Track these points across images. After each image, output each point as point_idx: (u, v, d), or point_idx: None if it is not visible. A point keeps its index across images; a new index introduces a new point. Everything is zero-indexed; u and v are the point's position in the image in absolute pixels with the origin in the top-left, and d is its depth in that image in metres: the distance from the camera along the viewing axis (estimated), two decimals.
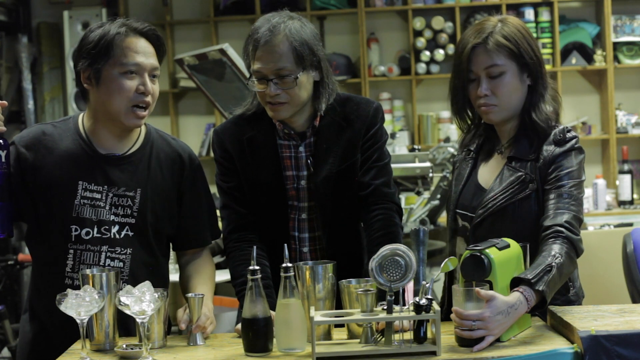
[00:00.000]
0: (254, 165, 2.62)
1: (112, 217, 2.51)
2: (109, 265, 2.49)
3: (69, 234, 2.49)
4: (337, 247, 2.61)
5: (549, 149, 2.47)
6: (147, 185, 2.54)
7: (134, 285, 2.30)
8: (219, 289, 4.20)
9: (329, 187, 2.59)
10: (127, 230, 2.52)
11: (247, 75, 2.61)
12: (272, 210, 2.63)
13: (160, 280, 2.56)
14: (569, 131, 2.50)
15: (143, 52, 2.48)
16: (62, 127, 2.57)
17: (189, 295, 2.36)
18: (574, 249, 2.35)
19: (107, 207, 2.50)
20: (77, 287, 2.32)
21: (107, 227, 2.50)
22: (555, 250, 2.31)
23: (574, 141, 2.48)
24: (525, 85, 2.52)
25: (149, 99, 2.48)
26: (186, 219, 2.63)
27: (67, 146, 2.53)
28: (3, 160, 2.41)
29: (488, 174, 2.58)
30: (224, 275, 3.93)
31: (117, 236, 2.51)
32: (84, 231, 2.49)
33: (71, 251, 2.49)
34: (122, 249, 2.51)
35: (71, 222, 2.48)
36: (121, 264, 2.51)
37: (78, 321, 2.19)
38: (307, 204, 2.63)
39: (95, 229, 2.49)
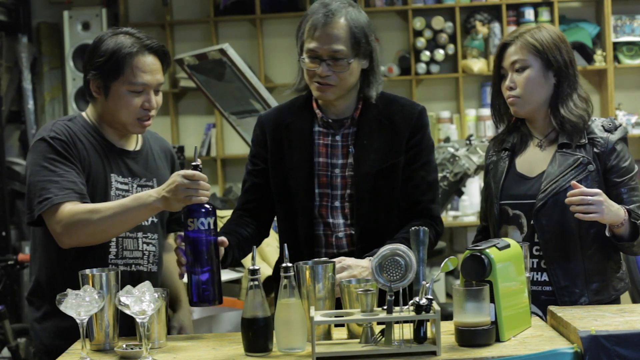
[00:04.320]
0: (288, 151, 2.68)
1: None
2: (146, 250, 2.67)
3: None
4: (368, 242, 2.58)
5: (603, 136, 2.68)
6: (158, 176, 2.73)
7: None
8: None
9: (369, 183, 2.60)
10: (152, 217, 2.66)
11: (298, 52, 2.64)
12: (299, 195, 2.65)
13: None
14: (614, 120, 2.72)
15: (150, 70, 2.61)
16: (76, 126, 2.65)
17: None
18: None
19: None
20: (122, 273, 2.42)
21: None
22: None
23: (623, 127, 2.71)
24: (550, 82, 2.71)
25: (153, 112, 2.65)
26: None
27: (90, 142, 2.63)
28: (211, 227, 2.35)
29: (529, 164, 2.74)
30: (223, 275, 3.92)
31: (146, 223, 2.67)
32: None
33: (114, 239, 2.61)
34: (152, 235, 2.70)
35: None
36: (154, 248, 2.70)
37: (78, 321, 2.19)
38: (340, 192, 2.64)
39: None
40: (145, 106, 2.61)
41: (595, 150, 2.66)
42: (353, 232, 2.62)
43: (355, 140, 2.65)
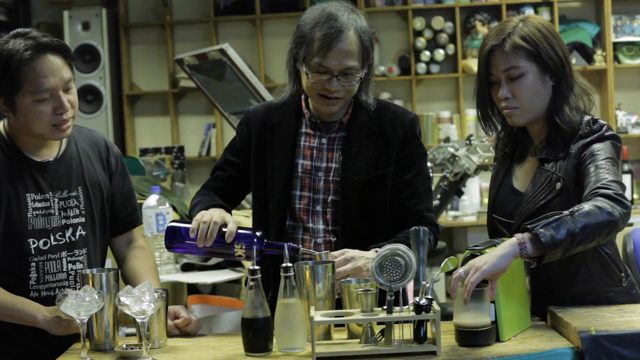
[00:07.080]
0: (271, 151, 2.61)
1: (64, 222, 2.49)
2: (72, 269, 2.49)
3: (28, 248, 2.45)
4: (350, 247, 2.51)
5: (578, 144, 2.39)
6: (86, 181, 2.54)
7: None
8: (219, 289, 4.19)
9: (356, 191, 2.54)
10: (80, 231, 2.51)
11: (295, 60, 2.54)
12: (274, 197, 2.59)
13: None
14: (595, 121, 2.43)
15: (51, 71, 2.39)
16: None
17: (317, 253, 2.38)
18: (612, 201, 2.22)
19: (57, 213, 2.49)
20: (45, 298, 2.41)
21: (61, 233, 2.49)
22: (580, 205, 2.19)
23: (603, 129, 2.39)
24: (549, 85, 2.43)
25: (69, 113, 2.43)
26: (118, 201, 2.63)
27: (1, 160, 2.45)
28: (243, 255, 2.35)
29: (523, 177, 2.52)
30: (223, 275, 3.93)
31: (73, 239, 2.50)
32: (41, 242, 2.46)
33: (33, 264, 2.45)
34: (79, 251, 2.51)
35: (28, 235, 2.45)
36: (81, 265, 2.51)
37: (78, 321, 2.19)
38: (322, 197, 2.58)
39: (52, 237, 2.47)
40: (58, 111, 2.39)
41: (566, 162, 2.39)
42: (332, 239, 2.56)
43: (343, 146, 2.59)
